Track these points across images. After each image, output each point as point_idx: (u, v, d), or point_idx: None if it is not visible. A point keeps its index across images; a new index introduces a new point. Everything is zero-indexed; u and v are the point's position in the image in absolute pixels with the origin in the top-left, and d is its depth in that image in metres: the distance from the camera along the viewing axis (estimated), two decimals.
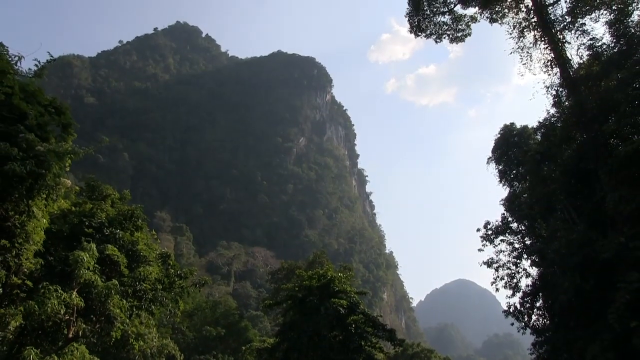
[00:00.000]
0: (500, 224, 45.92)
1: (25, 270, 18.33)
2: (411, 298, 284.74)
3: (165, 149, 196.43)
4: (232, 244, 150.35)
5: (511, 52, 40.72)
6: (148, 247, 25.12)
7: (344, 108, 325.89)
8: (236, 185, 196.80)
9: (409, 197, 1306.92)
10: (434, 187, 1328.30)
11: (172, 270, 25.92)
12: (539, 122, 41.42)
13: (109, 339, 21.99)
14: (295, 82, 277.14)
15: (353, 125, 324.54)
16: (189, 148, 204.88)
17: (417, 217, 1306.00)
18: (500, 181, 51.76)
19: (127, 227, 24.64)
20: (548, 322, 41.14)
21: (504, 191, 49.76)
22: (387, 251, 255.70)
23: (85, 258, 19.66)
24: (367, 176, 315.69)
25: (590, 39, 35.30)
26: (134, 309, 23.36)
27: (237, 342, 58.82)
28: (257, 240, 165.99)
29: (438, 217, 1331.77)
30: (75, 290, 19.66)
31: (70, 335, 19.95)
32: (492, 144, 52.28)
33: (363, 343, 36.30)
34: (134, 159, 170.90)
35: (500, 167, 51.57)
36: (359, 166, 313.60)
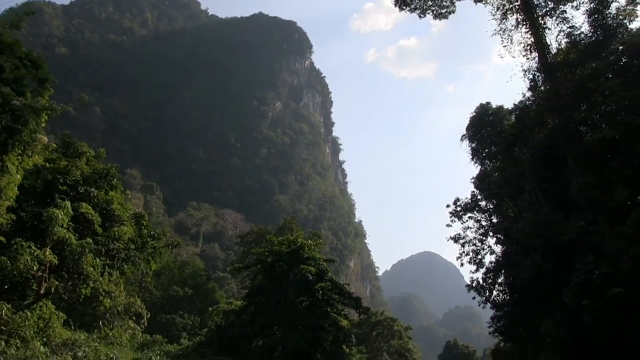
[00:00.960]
0: (470, 201, 46.71)
1: None
2: (377, 267, 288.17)
3: (139, 106, 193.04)
4: (203, 205, 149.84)
5: (493, 34, 41.23)
6: (122, 206, 25.12)
7: (322, 75, 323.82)
8: (210, 146, 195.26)
9: (382, 168, 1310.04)
10: (407, 160, 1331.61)
11: (145, 231, 26.00)
12: (514, 104, 42.05)
13: (75, 296, 22.02)
14: (275, 45, 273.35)
15: (330, 92, 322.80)
16: (164, 106, 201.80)
17: (388, 188, 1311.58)
18: (472, 159, 52.51)
19: (101, 185, 24.52)
20: (508, 297, 42.45)
21: (475, 169, 50.44)
22: (356, 220, 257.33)
23: (59, 216, 19.61)
24: (341, 145, 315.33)
25: (570, 27, 35.91)
26: (106, 268, 23.48)
27: (203, 303, 59.22)
28: (227, 202, 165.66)
29: (408, 189, 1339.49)
30: (49, 247, 19.66)
31: (41, 292, 20.03)
32: (467, 122, 52.91)
33: (329, 309, 37.16)
34: (106, 114, 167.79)
35: (474, 145, 52.28)
36: (334, 134, 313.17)
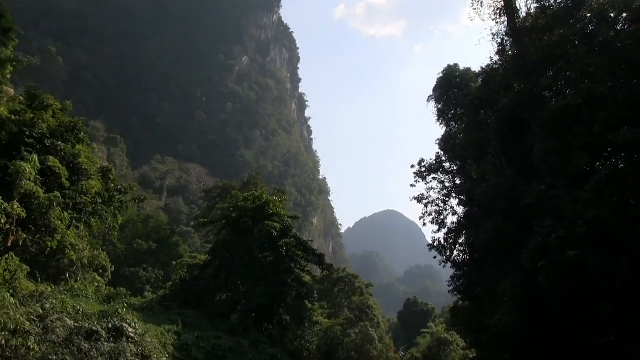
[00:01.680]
0: (434, 162, 47.24)
1: None
2: (340, 224, 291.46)
3: (102, 58, 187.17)
4: (166, 158, 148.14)
5: None
6: (89, 160, 24.75)
7: (290, 30, 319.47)
8: (174, 99, 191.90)
9: (347, 125, 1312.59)
10: (373, 119, 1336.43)
11: (112, 185, 25.75)
12: (482, 67, 42.30)
13: (39, 248, 21.83)
14: None
15: (297, 48, 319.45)
16: (128, 58, 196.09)
17: (353, 146, 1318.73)
18: (438, 120, 52.96)
19: (68, 139, 24.02)
20: (468, 257, 43.54)
21: (440, 130, 50.91)
22: (320, 177, 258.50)
23: (26, 169, 19.28)
24: (307, 101, 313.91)
25: None
26: (73, 221, 23.28)
27: (167, 257, 59.21)
28: (191, 156, 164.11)
29: (373, 148, 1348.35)
30: (16, 200, 19.39)
31: (8, 244, 19.83)
32: (434, 82, 53.18)
33: (293, 265, 37.69)
34: (69, 64, 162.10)
35: (439, 106, 52.65)
36: (300, 90, 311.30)
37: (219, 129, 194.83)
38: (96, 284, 27.69)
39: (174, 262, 51.88)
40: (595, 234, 26.71)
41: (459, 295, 45.79)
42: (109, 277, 33.81)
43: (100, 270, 30.65)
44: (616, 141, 27.00)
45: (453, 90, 50.65)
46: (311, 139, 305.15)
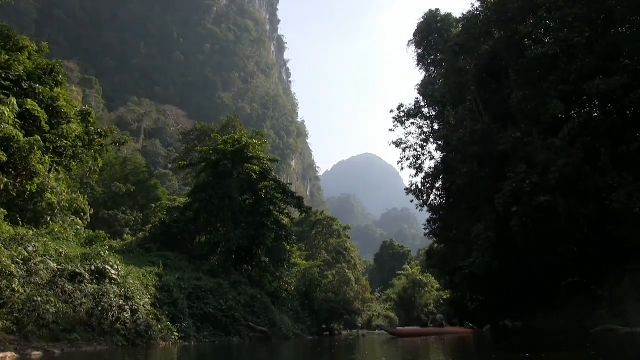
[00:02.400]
0: (413, 107, 47.46)
1: None
2: (318, 167, 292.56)
3: None
4: (144, 100, 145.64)
5: None
6: (68, 103, 24.41)
7: None
8: (151, 40, 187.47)
9: (327, 69, 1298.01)
10: (353, 62, 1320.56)
11: (92, 128, 25.50)
12: (463, 14, 42.11)
13: (17, 191, 21.75)
14: None
15: None
16: None
17: (333, 89, 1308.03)
18: (418, 64, 53.04)
19: (46, 82, 23.59)
20: (444, 202, 44.44)
21: (420, 75, 51.04)
22: (299, 120, 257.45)
23: (5, 112, 19.05)
24: (286, 43, 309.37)
25: None
26: (54, 165, 23.19)
27: (145, 200, 59.19)
28: (169, 98, 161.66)
29: (353, 91, 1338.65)
30: None
31: None
32: (415, 27, 52.94)
33: (272, 208, 38.06)
34: (39, 2, 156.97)
35: (420, 51, 52.63)
36: (279, 32, 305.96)
37: (197, 70, 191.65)
38: (77, 227, 27.80)
39: (153, 205, 51.91)
40: (566, 181, 27.52)
41: (434, 239, 46.93)
42: (88, 220, 33.82)
43: (82, 214, 30.62)
44: (591, 91, 27.51)
45: (434, 36, 50.54)
46: (290, 82, 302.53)
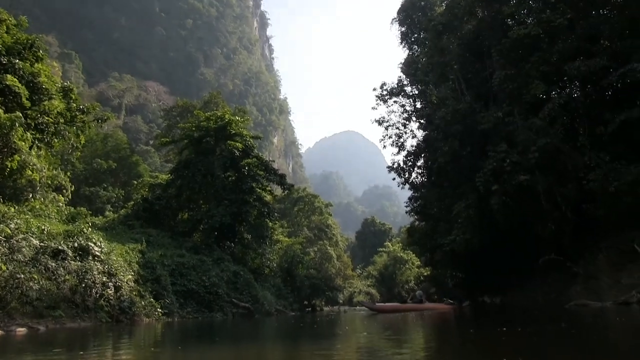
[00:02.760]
0: (396, 86, 47.57)
1: None
2: (300, 144, 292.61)
3: None
4: (125, 76, 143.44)
5: None
6: (50, 79, 24.05)
7: None
8: (132, 14, 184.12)
9: (311, 45, 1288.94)
10: (336, 40, 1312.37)
11: (74, 104, 25.18)
12: None
13: None
14: None
15: None
16: None
17: (316, 66, 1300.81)
18: (401, 42, 53.04)
19: (26, 57, 23.19)
20: (425, 180, 44.83)
21: (403, 53, 51.20)
22: (281, 97, 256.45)
23: None
24: (269, 19, 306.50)
25: None
26: (36, 142, 22.95)
27: (127, 176, 58.83)
28: (151, 74, 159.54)
29: (336, 69, 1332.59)
30: None
31: None
32: (399, 5, 52.86)
33: (254, 185, 38.12)
34: None
35: (403, 29, 52.62)
36: (262, 8, 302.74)
37: (179, 46, 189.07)
38: (60, 204, 27.65)
39: (134, 182, 51.66)
40: (546, 160, 27.96)
41: (415, 216, 47.42)
42: (69, 197, 33.62)
43: (64, 191, 30.42)
44: (571, 72, 27.84)
45: (417, 14, 50.50)
46: (273, 59, 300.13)
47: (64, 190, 30.22)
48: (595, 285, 25.67)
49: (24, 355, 8.42)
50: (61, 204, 29.18)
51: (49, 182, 27.71)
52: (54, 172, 29.63)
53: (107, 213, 44.13)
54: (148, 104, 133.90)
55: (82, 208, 31.78)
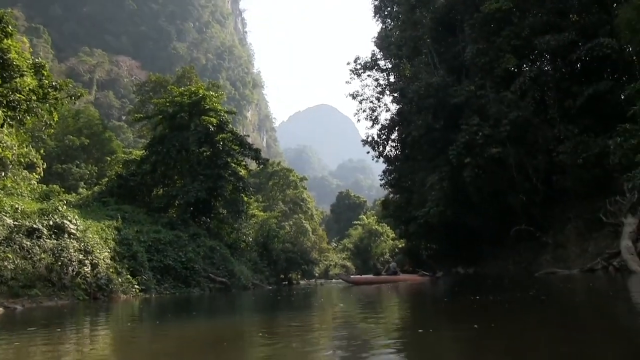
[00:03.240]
0: (369, 60, 47.68)
1: None
2: (274, 118, 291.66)
3: None
4: (95, 51, 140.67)
5: None
6: (20, 56, 23.57)
7: None
8: None
9: (285, 19, 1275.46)
10: (312, 13, 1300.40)
11: (47, 81, 24.73)
12: None
13: None
14: None
15: None
16: None
17: (291, 40, 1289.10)
18: (375, 16, 52.91)
19: None
20: (399, 153, 45.27)
21: (377, 27, 51.19)
22: (255, 70, 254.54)
23: None
24: None
25: None
26: (7, 119, 22.56)
27: (100, 153, 58.15)
28: (122, 48, 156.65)
29: (311, 43, 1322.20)
30: None
31: None
32: None
33: (229, 160, 38.10)
34: None
35: (377, 2, 52.46)
36: None
37: (150, 20, 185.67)
38: (32, 182, 27.39)
39: (108, 158, 51.22)
40: (517, 133, 28.49)
41: (390, 189, 47.96)
42: (41, 174, 33.27)
43: (37, 168, 30.09)
44: (541, 46, 28.25)
45: None
46: (246, 32, 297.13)
47: (37, 168, 29.89)
48: (564, 254, 26.46)
49: (0, 334, 8.51)
50: (33, 182, 28.91)
51: (21, 160, 27.39)
52: (25, 149, 29.24)
53: (80, 190, 43.64)
54: (120, 79, 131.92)
55: (55, 185, 31.51)
